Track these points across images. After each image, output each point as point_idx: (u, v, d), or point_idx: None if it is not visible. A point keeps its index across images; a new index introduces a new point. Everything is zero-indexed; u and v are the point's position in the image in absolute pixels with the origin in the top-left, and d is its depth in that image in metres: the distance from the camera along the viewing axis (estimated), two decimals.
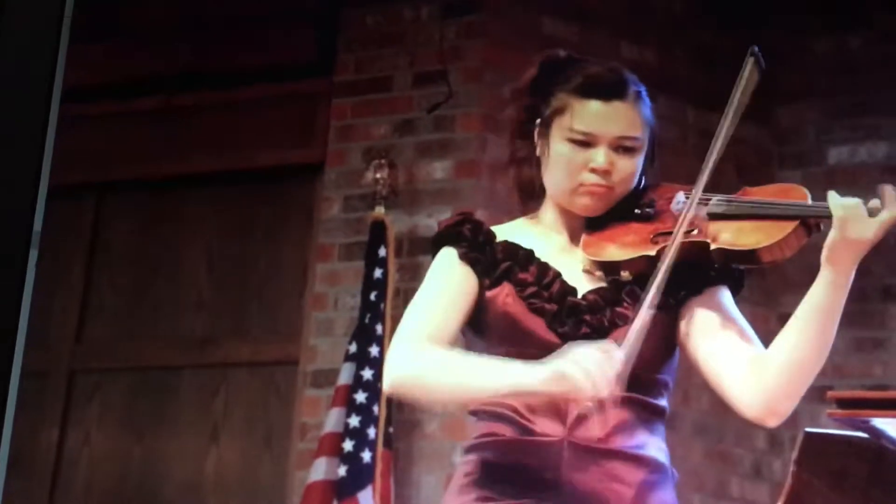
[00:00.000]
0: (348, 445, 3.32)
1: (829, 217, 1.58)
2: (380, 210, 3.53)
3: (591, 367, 1.52)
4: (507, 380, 1.58)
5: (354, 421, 3.34)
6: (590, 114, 1.67)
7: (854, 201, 1.56)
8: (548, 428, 1.62)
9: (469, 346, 1.69)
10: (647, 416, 1.66)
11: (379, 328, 3.42)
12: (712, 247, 1.60)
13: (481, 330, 1.69)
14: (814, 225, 1.61)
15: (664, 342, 1.66)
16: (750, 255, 1.60)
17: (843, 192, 4.92)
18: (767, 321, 3.87)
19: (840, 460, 2.32)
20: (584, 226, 1.70)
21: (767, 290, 3.90)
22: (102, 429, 3.96)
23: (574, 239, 1.71)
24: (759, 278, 3.90)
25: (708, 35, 3.95)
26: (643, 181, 1.73)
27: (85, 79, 3.82)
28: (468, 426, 1.71)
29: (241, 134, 3.99)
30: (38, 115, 1.56)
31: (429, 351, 1.62)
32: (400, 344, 1.64)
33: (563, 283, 1.66)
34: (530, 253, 1.70)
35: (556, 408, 1.62)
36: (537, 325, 1.64)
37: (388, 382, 1.63)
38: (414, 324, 1.66)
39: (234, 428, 3.87)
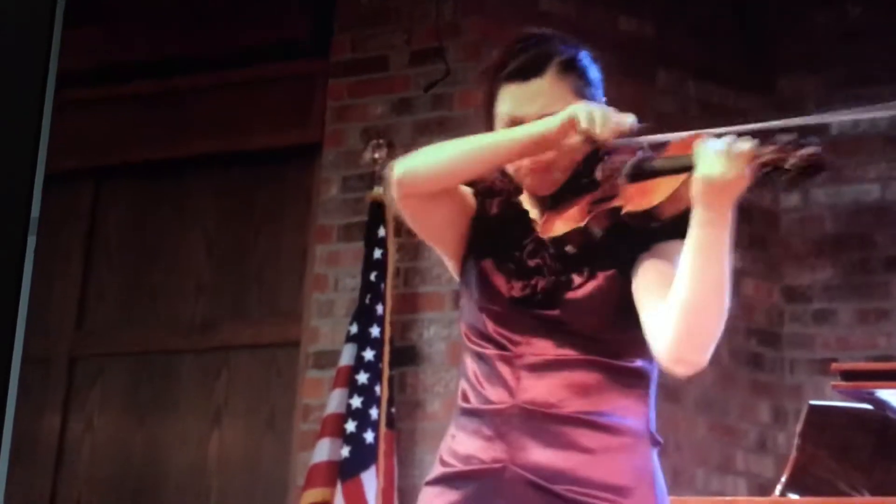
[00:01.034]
0: (351, 426, 3.32)
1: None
2: (378, 190, 3.52)
3: (595, 112, 1.60)
4: (519, 133, 1.64)
5: (357, 402, 3.34)
6: (511, 97, 1.69)
7: (717, 144, 1.55)
8: (496, 395, 1.66)
9: (464, 313, 1.74)
10: (617, 378, 1.66)
11: (380, 308, 3.42)
12: (622, 211, 1.63)
13: (470, 281, 1.73)
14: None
15: (620, 304, 1.66)
16: (650, 213, 1.62)
17: (846, 162, 4.89)
18: (771, 294, 3.87)
19: (845, 432, 2.33)
20: (548, 205, 1.73)
21: (770, 263, 3.89)
22: (105, 414, 3.96)
23: (542, 216, 1.74)
24: (761, 251, 3.89)
25: (707, 7, 3.93)
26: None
27: (80, 64, 3.79)
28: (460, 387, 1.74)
29: (238, 116, 3.97)
30: (34, 102, 1.55)
31: (423, 150, 1.69)
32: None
33: (533, 242, 1.71)
34: (526, 213, 1.74)
35: (502, 377, 1.66)
36: (500, 282, 1.69)
37: (394, 174, 1.68)
38: None
39: (236, 411, 3.87)
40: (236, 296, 3.91)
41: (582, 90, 1.71)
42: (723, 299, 1.56)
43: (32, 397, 3.80)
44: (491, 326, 1.68)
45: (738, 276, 3.88)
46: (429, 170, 1.68)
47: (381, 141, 3.61)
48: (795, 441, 2.37)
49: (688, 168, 1.58)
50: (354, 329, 3.43)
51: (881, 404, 2.36)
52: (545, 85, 1.68)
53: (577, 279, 1.66)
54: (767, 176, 1.54)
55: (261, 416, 3.82)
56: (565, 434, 1.63)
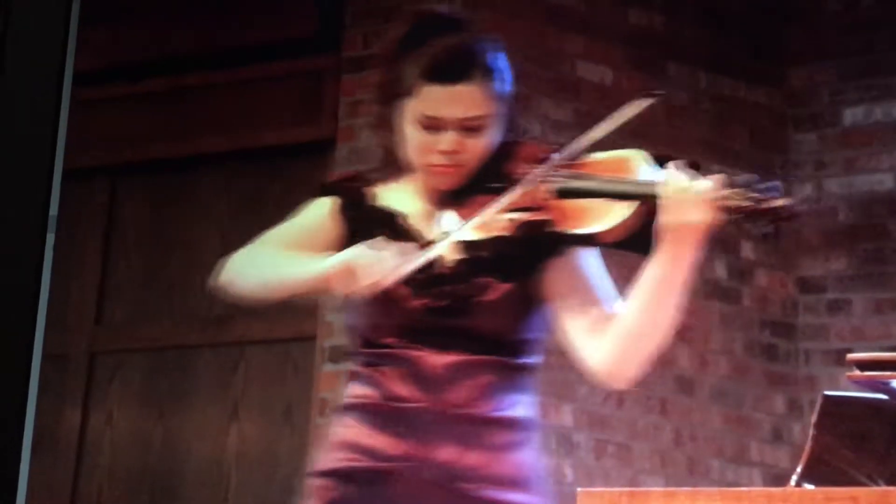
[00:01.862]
0: None
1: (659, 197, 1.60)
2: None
3: (374, 258, 1.61)
4: (294, 271, 1.68)
5: None
6: (434, 99, 1.68)
7: (681, 185, 1.56)
8: (405, 393, 1.67)
9: (348, 318, 1.75)
10: (518, 376, 1.71)
11: None
12: (555, 228, 1.65)
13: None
14: (651, 204, 1.61)
15: (525, 306, 1.70)
16: (590, 239, 1.65)
17: (860, 153, 4.89)
18: (785, 285, 3.87)
19: (860, 422, 2.33)
20: (448, 197, 1.73)
21: (784, 254, 3.89)
22: (124, 409, 3.99)
23: (439, 207, 1.74)
24: (775, 243, 3.89)
25: None
26: (501, 144, 1.74)
27: (93, 63, 3.82)
28: (350, 384, 1.75)
29: (251, 112, 3.99)
30: (51, 102, 1.57)
31: (253, 248, 1.76)
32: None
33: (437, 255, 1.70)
34: (404, 218, 1.74)
35: (411, 376, 1.67)
36: (404, 294, 1.68)
37: (219, 280, 1.75)
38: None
39: (253, 404, 3.89)
40: None
41: (501, 94, 1.71)
42: (668, 328, 1.63)
43: (53, 392, 3.83)
44: (399, 329, 1.69)
45: (752, 268, 3.89)
46: (247, 287, 1.74)
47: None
48: (810, 431, 2.37)
49: (636, 197, 1.60)
50: None
51: None
52: (470, 90, 1.68)
53: (486, 284, 1.68)
54: (734, 220, 1.56)
55: (277, 410, 3.84)
56: (473, 433, 1.66)
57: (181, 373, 3.95)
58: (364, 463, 1.68)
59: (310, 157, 3.94)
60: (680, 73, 3.87)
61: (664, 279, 1.60)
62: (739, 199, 1.55)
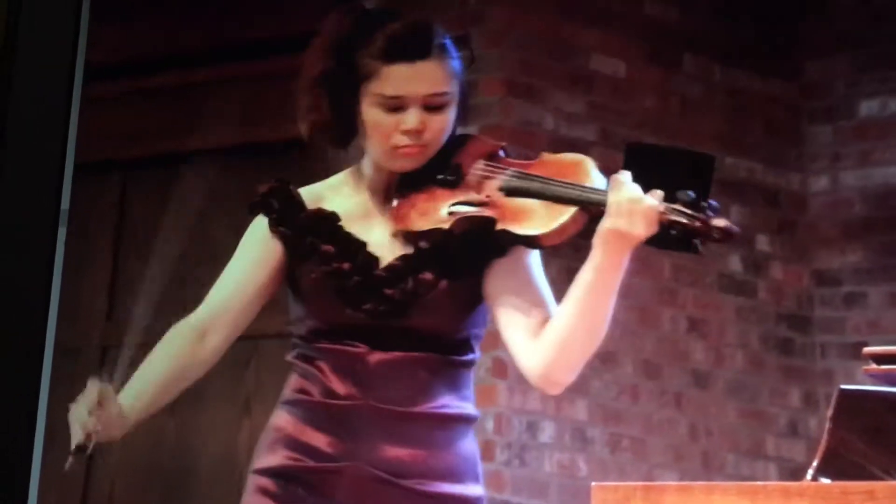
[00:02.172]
0: None
1: (601, 204, 1.62)
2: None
3: (83, 415, 1.69)
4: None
5: None
6: (397, 77, 1.69)
7: (630, 195, 1.58)
8: (344, 391, 1.68)
9: (292, 311, 1.78)
10: (456, 371, 1.71)
11: None
12: (497, 226, 1.65)
13: (301, 297, 1.76)
14: (593, 210, 1.63)
15: (466, 303, 1.70)
16: (530, 240, 1.65)
17: (875, 145, 4.85)
18: (800, 278, 3.85)
19: (877, 416, 2.31)
20: (397, 185, 1.73)
21: (799, 247, 3.88)
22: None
23: (388, 199, 1.75)
24: (790, 235, 3.88)
25: None
26: (456, 131, 1.75)
27: (104, 59, 3.82)
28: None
29: (261, 107, 3.99)
30: (62, 97, 1.57)
31: (161, 343, 1.86)
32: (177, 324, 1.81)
33: (367, 253, 1.71)
34: (334, 223, 1.75)
35: (350, 374, 1.68)
36: (339, 306, 1.70)
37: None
38: (203, 304, 1.85)
39: (265, 399, 3.88)
40: None
41: (456, 74, 1.73)
42: (601, 335, 1.63)
43: (65, 387, 3.84)
44: (337, 326, 1.70)
45: (768, 261, 3.87)
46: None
47: None
48: (826, 425, 2.36)
49: (577, 203, 1.61)
50: None
51: None
52: (431, 67, 1.70)
53: (426, 281, 1.68)
54: (670, 234, 1.57)
55: None
56: (413, 430, 1.67)
57: None
58: (304, 463, 1.69)
59: (323, 151, 3.94)
60: (694, 66, 3.85)
61: (598, 285, 1.61)
62: (683, 215, 1.56)
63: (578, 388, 3.49)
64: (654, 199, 1.58)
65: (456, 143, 1.74)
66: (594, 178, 1.65)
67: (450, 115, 1.71)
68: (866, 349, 2.35)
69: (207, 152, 4.05)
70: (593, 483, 1.59)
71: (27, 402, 1.53)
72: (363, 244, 1.73)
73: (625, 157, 1.69)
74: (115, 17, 3.88)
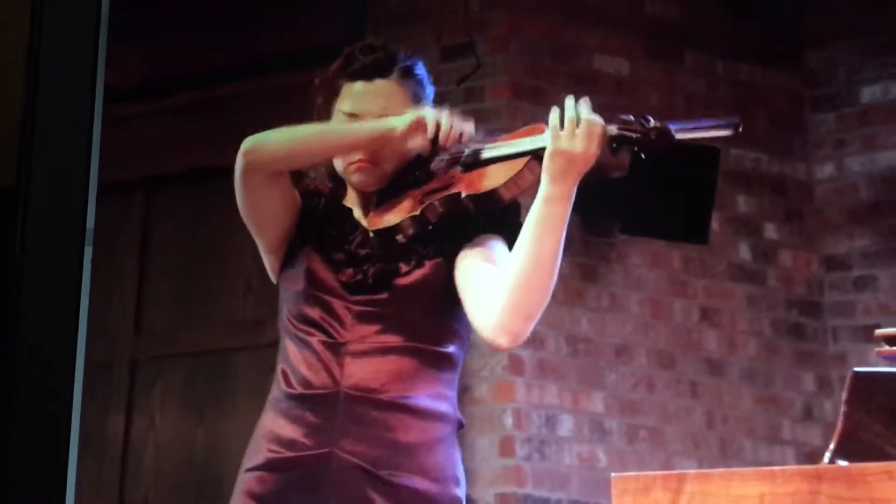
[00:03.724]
0: None
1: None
2: None
3: (443, 120, 1.68)
4: (367, 126, 1.71)
5: None
6: (353, 94, 1.76)
7: (567, 115, 1.59)
8: (319, 381, 1.69)
9: (281, 288, 1.79)
10: (434, 363, 1.71)
11: None
12: (462, 195, 1.69)
13: (291, 263, 1.77)
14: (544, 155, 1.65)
15: (447, 290, 1.71)
16: (491, 196, 1.68)
17: (879, 130, 4.85)
18: (810, 264, 3.88)
19: (891, 397, 2.34)
20: (375, 202, 1.78)
21: (808, 234, 3.90)
22: (165, 413, 4.06)
23: (367, 214, 1.79)
24: (798, 222, 3.91)
25: None
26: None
27: (126, 80, 3.90)
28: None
29: (280, 120, 4.03)
30: (84, 118, 1.61)
31: (278, 130, 1.79)
32: None
33: (363, 234, 1.75)
34: (352, 215, 1.79)
35: (326, 363, 1.69)
36: (326, 273, 1.73)
37: (243, 146, 1.80)
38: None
39: None
40: None
41: (419, 96, 1.77)
42: (552, 274, 1.62)
43: (97, 400, 3.90)
44: (317, 313, 1.71)
45: (776, 248, 3.90)
46: (277, 145, 1.78)
47: None
48: (841, 408, 2.39)
49: (527, 153, 1.65)
50: None
51: None
52: (388, 86, 1.75)
53: (404, 267, 1.71)
54: (615, 150, 1.59)
55: None
56: (386, 419, 1.67)
57: (219, 376, 4.01)
58: (283, 454, 1.70)
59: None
60: (697, 62, 3.88)
61: (543, 216, 1.60)
62: (620, 128, 1.59)
63: (595, 381, 3.53)
64: (589, 114, 1.58)
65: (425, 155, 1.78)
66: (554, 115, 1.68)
67: None
68: (878, 331, 2.38)
69: (228, 168, 4.09)
70: (613, 474, 1.59)
71: (61, 414, 1.56)
72: (358, 223, 1.78)
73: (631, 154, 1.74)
74: (138, 37, 3.93)
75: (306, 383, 1.71)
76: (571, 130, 1.58)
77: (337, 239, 1.76)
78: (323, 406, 1.68)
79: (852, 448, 2.26)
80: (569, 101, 1.61)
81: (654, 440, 3.57)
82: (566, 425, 3.46)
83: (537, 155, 1.64)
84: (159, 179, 4.22)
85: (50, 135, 1.60)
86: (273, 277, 1.84)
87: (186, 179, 4.19)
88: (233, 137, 4.58)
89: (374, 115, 1.74)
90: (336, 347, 1.70)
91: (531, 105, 3.59)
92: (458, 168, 1.72)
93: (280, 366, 1.76)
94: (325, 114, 1.83)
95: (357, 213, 1.80)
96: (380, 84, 1.76)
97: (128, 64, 3.90)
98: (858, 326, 3.76)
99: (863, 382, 2.36)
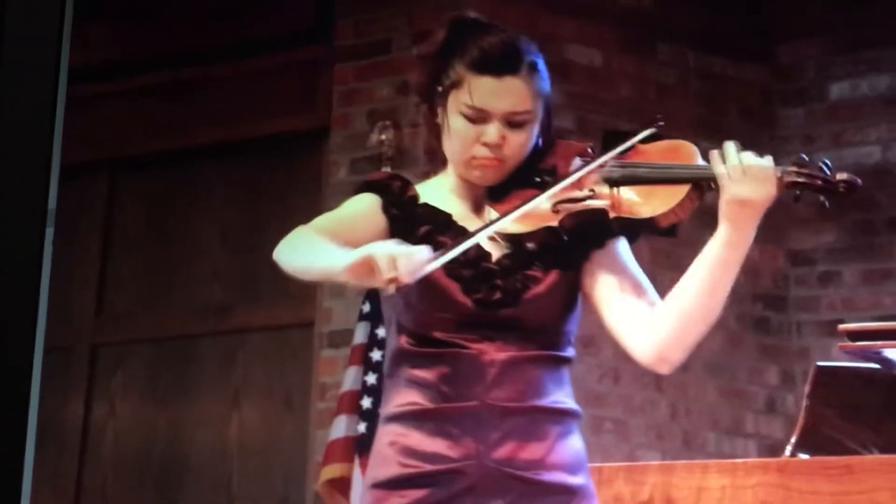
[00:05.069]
0: (367, 402, 3.37)
1: (715, 178, 1.64)
2: (386, 171, 3.56)
3: (396, 254, 1.57)
4: (323, 261, 1.66)
5: (372, 378, 3.39)
6: (482, 90, 1.71)
7: (733, 162, 1.61)
8: (458, 394, 1.69)
9: (387, 303, 1.75)
10: (559, 367, 1.74)
11: None
12: (611, 215, 1.67)
13: (405, 292, 1.71)
14: (705, 186, 1.65)
15: (569, 297, 1.73)
16: (648, 224, 1.66)
17: (847, 126, 4.90)
18: (775, 258, 3.90)
19: (853, 392, 2.36)
20: (487, 195, 1.76)
21: (775, 228, 3.93)
22: (126, 400, 4.03)
23: (477, 205, 1.77)
24: (765, 216, 3.92)
25: None
26: (540, 145, 1.77)
27: (92, 59, 3.85)
28: (391, 391, 1.75)
29: (247, 104, 4.01)
30: (47, 97, 1.58)
31: (299, 232, 1.74)
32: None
33: (479, 247, 1.72)
34: (449, 217, 1.76)
35: (463, 376, 1.69)
36: (454, 289, 1.70)
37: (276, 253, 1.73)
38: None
39: (254, 392, 3.92)
40: (250, 280, 3.96)
41: (541, 92, 1.74)
42: (718, 311, 1.66)
43: (56, 385, 3.86)
44: (448, 331, 1.70)
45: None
46: (290, 269, 1.72)
47: (387, 122, 3.65)
48: (804, 402, 2.41)
49: (687, 181, 1.62)
50: (367, 308, 3.48)
51: (888, 363, 2.40)
52: (516, 84, 1.71)
53: (534, 277, 1.71)
54: (798, 198, 1.62)
55: (278, 396, 3.88)
56: (527, 425, 1.68)
57: (182, 363, 3.98)
58: (422, 468, 1.68)
59: (306, 145, 3.97)
60: (669, 54, 3.89)
61: (722, 260, 1.63)
62: (802, 175, 1.59)
63: None
64: (766, 161, 1.59)
65: (543, 151, 1.76)
66: (699, 158, 1.66)
67: (531, 132, 1.73)
68: (841, 326, 2.39)
69: (195, 150, 4.07)
70: None
71: (18, 400, 1.54)
72: (463, 228, 1.74)
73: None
74: (105, 17, 3.89)
75: (444, 398, 1.69)
76: (739, 176, 1.60)
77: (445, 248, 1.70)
78: (465, 419, 1.68)
79: (814, 442, 2.28)
80: (730, 149, 1.62)
81: (618, 432, 3.59)
82: None
83: (698, 184, 1.63)
84: (125, 161, 4.18)
85: (11, 113, 1.57)
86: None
87: (152, 161, 4.15)
88: (200, 120, 4.56)
89: (501, 111, 1.70)
90: (471, 361, 1.69)
91: None
92: (603, 182, 1.68)
93: (403, 384, 1.72)
94: (426, 93, 1.76)
95: (459, 208, 1.76)
96: (509, 81, 1.70)
97: (94, 42, 3.86)
98: (822, 321, 3.79)
99: (825, 377, 2.38)
